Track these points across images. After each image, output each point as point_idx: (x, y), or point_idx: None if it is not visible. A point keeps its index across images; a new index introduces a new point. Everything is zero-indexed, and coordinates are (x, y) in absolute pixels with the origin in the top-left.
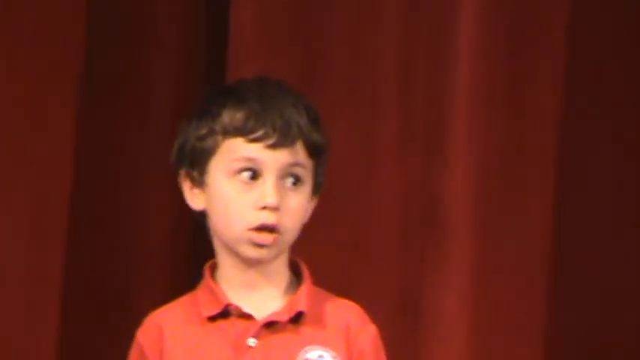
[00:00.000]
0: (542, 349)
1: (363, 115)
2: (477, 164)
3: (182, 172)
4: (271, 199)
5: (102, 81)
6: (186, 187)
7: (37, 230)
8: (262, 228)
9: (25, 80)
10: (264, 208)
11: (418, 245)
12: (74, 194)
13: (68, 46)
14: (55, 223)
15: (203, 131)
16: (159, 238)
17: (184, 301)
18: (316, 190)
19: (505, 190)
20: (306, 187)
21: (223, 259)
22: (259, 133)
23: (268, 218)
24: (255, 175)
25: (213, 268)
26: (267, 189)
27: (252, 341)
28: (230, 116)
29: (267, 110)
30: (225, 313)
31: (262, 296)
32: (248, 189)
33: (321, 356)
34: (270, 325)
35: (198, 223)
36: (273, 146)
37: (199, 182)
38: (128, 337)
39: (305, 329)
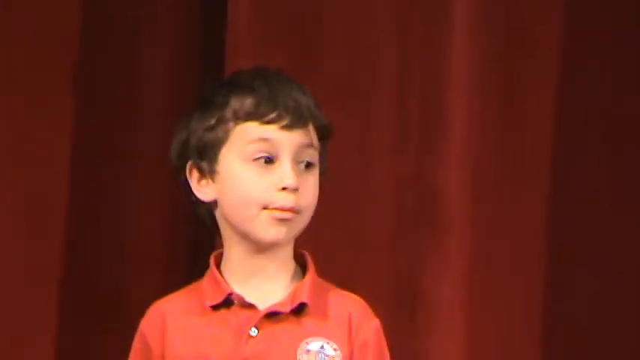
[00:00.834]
0: (540, 337)
1: (360, 107)
2: (473, 156)
3: (188, 166)
4: (291, 180)
5: (97, 80)
6: (193, 179)
7: (35, 229)
8: (282, 209)
9: (21, 80)
10: (283, 189)
11: (414, 236)
12: (72, 193)
13: (63, 43)
14: (54, 222)
15: (211, 121)
16: (156, 236)
17: (189, 290)
18: (322, 174)
19: (501, 181)
20: (317, 171)
21: (232, 248)
22: (273, 115)
23: (287, 200)
24: (270, 159)
25: (219, 259)
26: (285, 170)
27: (253, 331)
28: (240, 103)
29: (277, 94)
30: (228, 302)
31: (267, 285)
32: (264, 172)
33: (322, 348)
34: (273, 316)
35: (199, 217)
36: (287, 127)
37: (209, 172)
38: (126, 333)
39: (307, 320)
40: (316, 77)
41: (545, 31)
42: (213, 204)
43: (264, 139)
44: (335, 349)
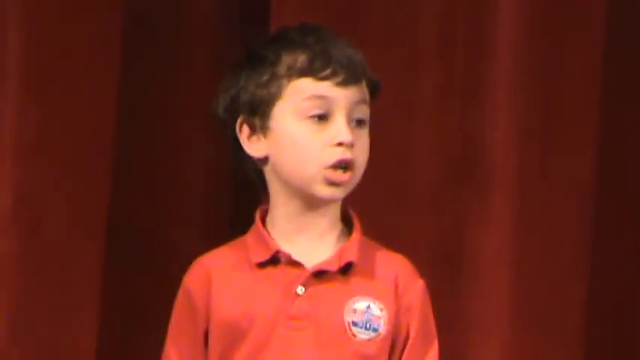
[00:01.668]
0: (585, 294)
1: (403, 61)
2: (518, 111)
3: (239, 121)
4: (346, 136)
5: (141, 35)
6: (243, 135)
7: (82, 178)
8: (339, 164)
9: (68, 32)
10: (339, 144)
11: (459, 190)
12: (117, 145)
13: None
14: (99, 171)
15: (265, 77)
16: (199, 189)
17: (233, 246)
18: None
19: (547, 136)
20: (367, 128)
21: (280, 205)
22: (327, 71)
23: (345, 154)
24: (323, 116)
25: (264, 215)
26: (340, 127)
27: (300, 289)
28: (292, 59)
29: (330, 50)
30: (275, 259)
31: (314, 243)
32: (319, 129)
33: (369, 307)
34: (320, 274)
35: (244, 173)
36: (342, 83)
37: (261, 128)
38: (172, 283)
39: (354, 279)
40: (357, 33)
41: None
42: (263, 160)
43: (320, 96)
44: (381, 309)
